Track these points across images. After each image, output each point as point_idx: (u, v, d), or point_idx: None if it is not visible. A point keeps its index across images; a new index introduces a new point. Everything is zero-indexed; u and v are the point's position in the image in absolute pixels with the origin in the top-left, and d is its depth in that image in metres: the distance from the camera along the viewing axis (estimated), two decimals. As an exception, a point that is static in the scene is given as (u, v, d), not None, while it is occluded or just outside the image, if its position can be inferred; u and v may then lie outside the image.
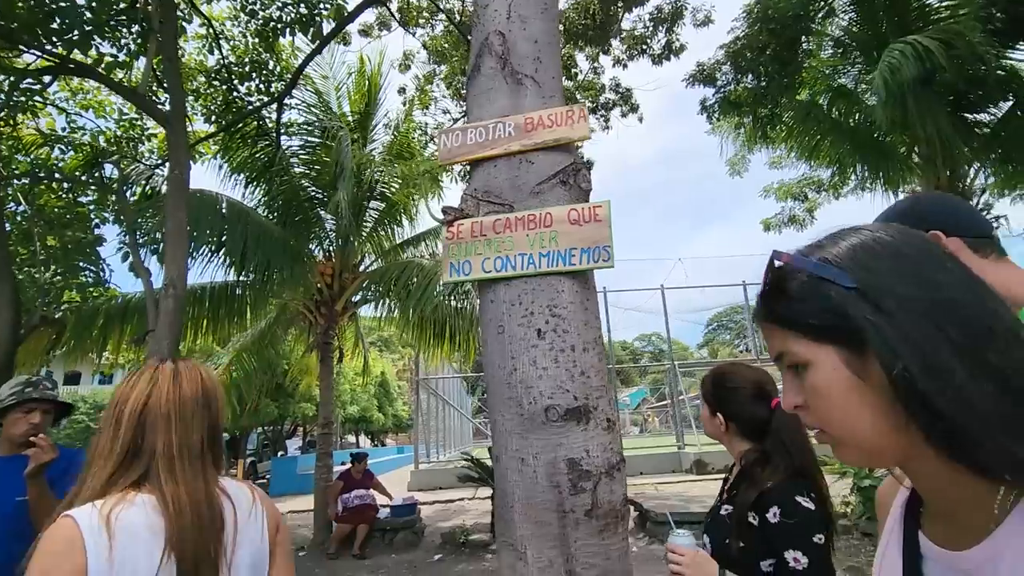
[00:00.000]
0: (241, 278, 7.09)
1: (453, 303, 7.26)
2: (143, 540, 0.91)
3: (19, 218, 6.26)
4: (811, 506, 1.22)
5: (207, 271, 8.66)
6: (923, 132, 6.87)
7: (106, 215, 6.78)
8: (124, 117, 7.35)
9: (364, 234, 8.77)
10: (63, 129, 6.65)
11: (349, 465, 7.39)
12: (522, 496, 2.99)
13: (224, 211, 6.32)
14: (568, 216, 3.31)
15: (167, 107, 5.21)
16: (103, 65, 5.60)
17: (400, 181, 8.62)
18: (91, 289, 7.03)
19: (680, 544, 1.28)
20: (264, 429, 18.73)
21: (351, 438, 28.16)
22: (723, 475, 1.63)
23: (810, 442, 1.33)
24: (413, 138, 8.91)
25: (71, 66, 5.02)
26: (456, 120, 7.85)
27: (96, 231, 6.83)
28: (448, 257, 3.52)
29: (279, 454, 19.07)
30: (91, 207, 6.83)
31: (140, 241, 5.71)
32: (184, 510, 0.93)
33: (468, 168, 3.99)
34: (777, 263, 0.59)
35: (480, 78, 3.64)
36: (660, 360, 27.46)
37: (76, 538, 0.88)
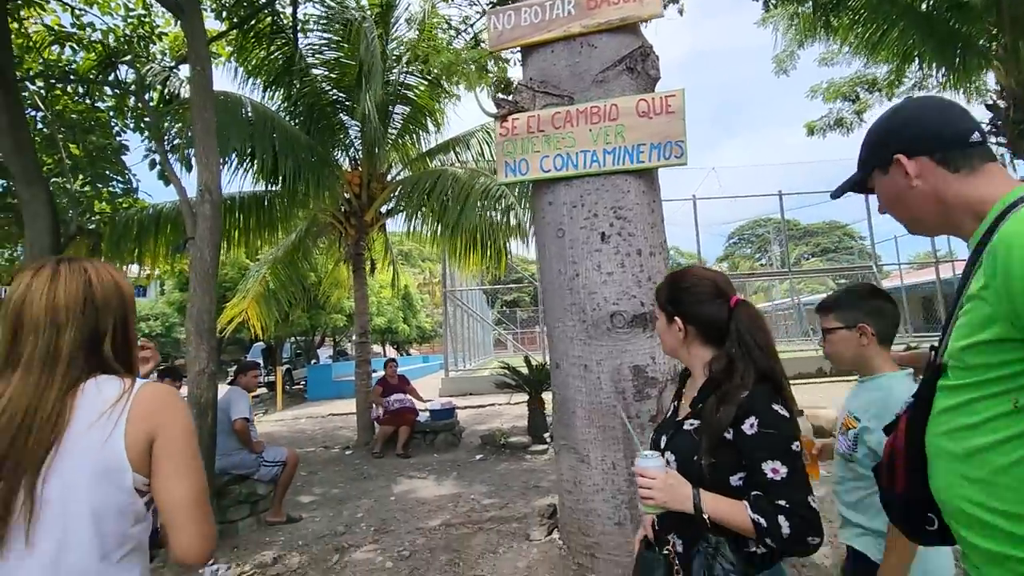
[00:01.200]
0: (270, 187, 6.90)
1: (494, 216, 6.99)
2: None
3: (39, 124, 6.06)
4: (786, 413, 1.17)
5: (235, 180, 8.45)
6: (1013, 11, 6.11)
7: (127, 121, 6.53)
8: (131, 14, 6.86)
9: (390, 141, 8.40)
10: (72, 25, 6.25)
11: (382, 372, 7.64)
12: (585, 402, 2.97)
13: (250, 116, 6.01)
14: (636, 107, 3.00)
15: None
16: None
17: (426, 83, 8.10)
18: (120, 200, 6.95)
19: (649, 467, 1.20)
20: (296, 339, 19.41)
21: (377, 348, 29.20)
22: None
23: (773, 341, 1.26)
24: (436, 34, 8.24)
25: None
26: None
27: (118, 139, 6.63)
28: (503, 155, 3.27)
29: (312, 362, 19.91)
30: (110, 113, 6.58)
31: (167, 148, 5.52)
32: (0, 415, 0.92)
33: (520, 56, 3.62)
34: None
35: (535, -55, 3.18)
36: (681, 273, 27.35)
37: None
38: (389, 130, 8.27)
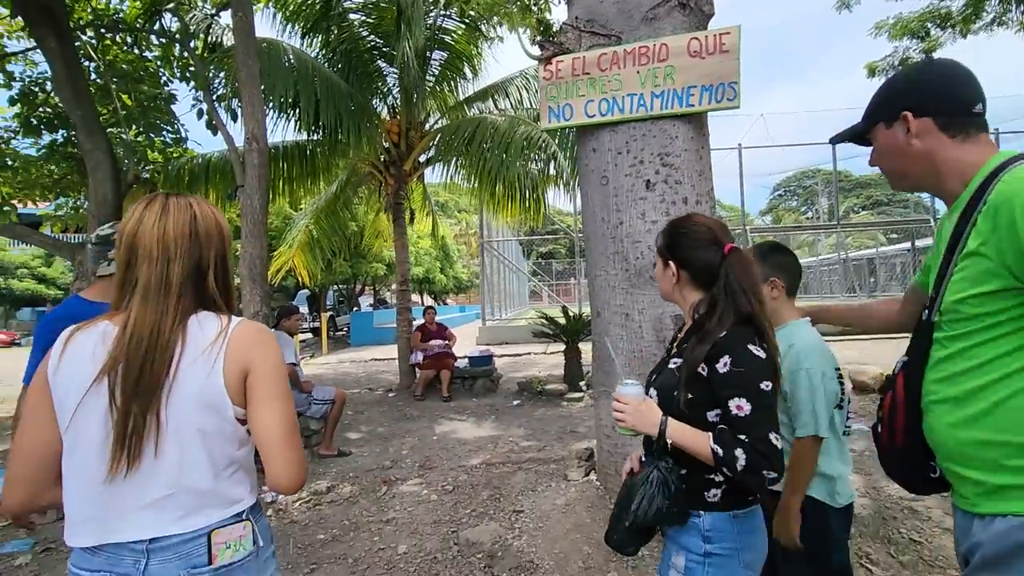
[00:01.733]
0: (312, 136, 6.97)
1: (534, 165, 6.88)
2: (83, 362, 0.99)
3: (93, 75, 6.23)
4: (762, 354, 1.20)
5: (277, 130, 8.55)
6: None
7: (174, 71, 6.65)
8: (170, -42, 6.85)
9: (428, 88, 8.28)
10: (116, -28, 6.31)
11: (422, 320, 7.87)
12: (626, 349, 3.00)
13: (293, 63, 6.01)
14: (688, 47, 2.87)
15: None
16: None
17: (464, 27, 7.87)
18: (171, 149, 7.17)
19: (627, 393, 1.29)
20: (339, 287, 20.04)
21: (416, 297, 29.85)
22: None
23: (760, 288, 1.30)
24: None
25: None
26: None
27: (166, 88, 6.78)
28: (546, 100, 3.20)
29: (354, 309, 20.61)
30: (158, 63, 6.70)
31: (213, 97, 5.62)
32: (128, 339, 0.98)
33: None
34: None
35: None
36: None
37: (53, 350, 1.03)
38: (427, 77, 8.14)
